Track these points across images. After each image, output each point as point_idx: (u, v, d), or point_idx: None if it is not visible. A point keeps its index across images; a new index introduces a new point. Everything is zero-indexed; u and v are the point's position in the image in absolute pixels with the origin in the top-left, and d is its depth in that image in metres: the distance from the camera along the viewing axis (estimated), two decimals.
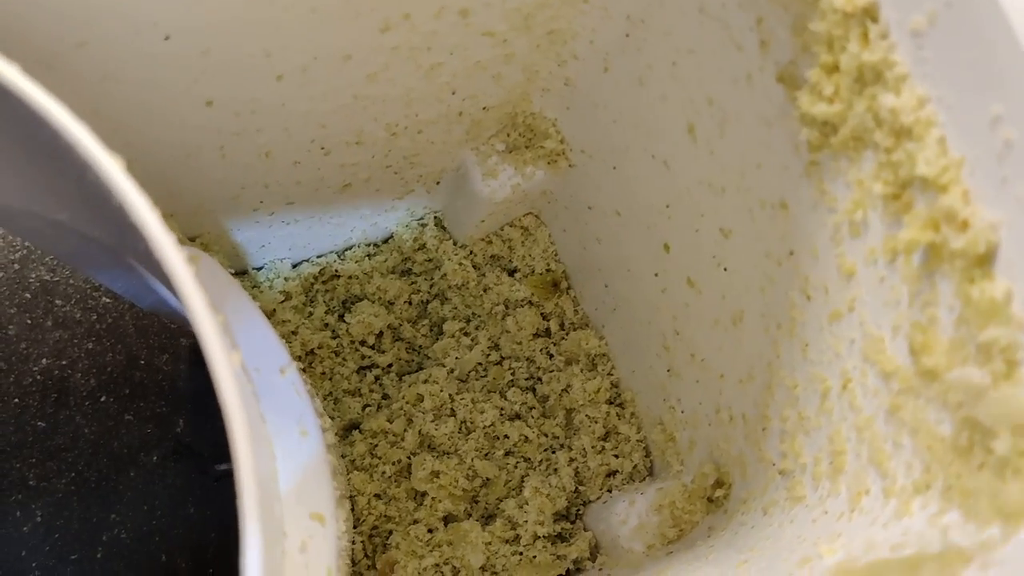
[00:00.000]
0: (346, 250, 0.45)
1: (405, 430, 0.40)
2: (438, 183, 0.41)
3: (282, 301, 0.43)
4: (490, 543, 0.38)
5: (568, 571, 0.38)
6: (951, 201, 0.19)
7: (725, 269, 0.31)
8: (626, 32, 0.30)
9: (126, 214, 0.17)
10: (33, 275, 0.43)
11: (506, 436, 0.41)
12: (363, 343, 0.43)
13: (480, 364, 0.43)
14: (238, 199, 0.36)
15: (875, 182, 0.21)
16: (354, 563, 0.38)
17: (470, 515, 0.40)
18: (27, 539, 0.39)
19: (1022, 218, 0.17)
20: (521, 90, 0.35)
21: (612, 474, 0.40)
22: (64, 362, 0.42)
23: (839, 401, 0.25)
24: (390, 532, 0.39)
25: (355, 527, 0.38)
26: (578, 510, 0.41)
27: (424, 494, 0.39)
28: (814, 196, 0.24)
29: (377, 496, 0.39)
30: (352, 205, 0.40)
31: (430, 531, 0.38)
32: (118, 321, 0.43)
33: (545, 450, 0.41)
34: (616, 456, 0.40)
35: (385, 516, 0.39)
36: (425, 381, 0.41)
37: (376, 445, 0.40)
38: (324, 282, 0.44)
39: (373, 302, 0.43)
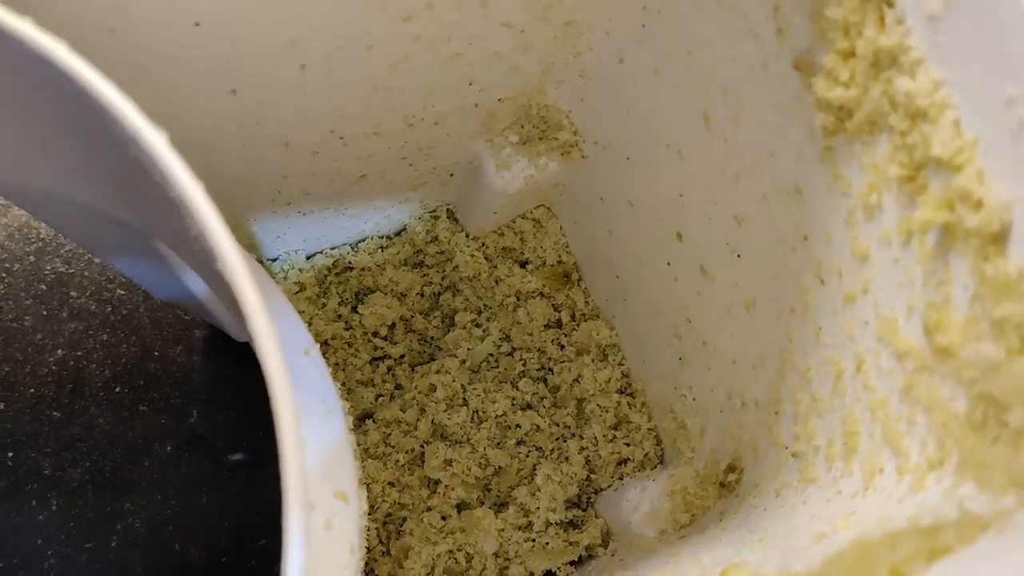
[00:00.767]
0: (359, 242, 0.45)
1: (418, 419, 0.41)
2: (451, 175, 0.42)
3: (296, 292, 0.43)
4: (503, 530, 0.38)
5: (580, 557, 0.39)
6: (966, 181, 0.19)
7: (738, 256, 0.31)
8: (642, 23, 0.31)
9: (169, 188, 0.17)
10: (49, 267, 0.43)
11: (518, 425, 0.41)
12: (376, 334, 0.43)
13: (492, 355, 0.43)
14: (256, 188, 0.36)
15: (890, 165, 0.22)
16: (368, 549, 0.39)
17: (483, 502, 0.40)
18: (43, 528, 0.39)
19: None
20: (536, 82, 0.36)
21: (623, 462, 0.41)
22: (79, 353, 0.42)
23: (853, 382, 0.25)
24: (404, 519, 0.39)
25: (369, 514, 0.39)
26: (589, 497, 0.41)
27: (437, 482, 0.40)
28: (828, 181, 0.25)
29: (391, 484, 0.39)
30: (367, 196, 0.41)
31: (443, 518, 0.39)
32: (133, 313, 0.43)
33: (556, 439, 0.42)
34: (627, 444, 0.41)
35: (399, 503, 0.39)
36: (437, 371, 0.42)
37: (389, 434, 0.40)
38: (337, 274, 0.44)
39: (386, 294, 0.44)
